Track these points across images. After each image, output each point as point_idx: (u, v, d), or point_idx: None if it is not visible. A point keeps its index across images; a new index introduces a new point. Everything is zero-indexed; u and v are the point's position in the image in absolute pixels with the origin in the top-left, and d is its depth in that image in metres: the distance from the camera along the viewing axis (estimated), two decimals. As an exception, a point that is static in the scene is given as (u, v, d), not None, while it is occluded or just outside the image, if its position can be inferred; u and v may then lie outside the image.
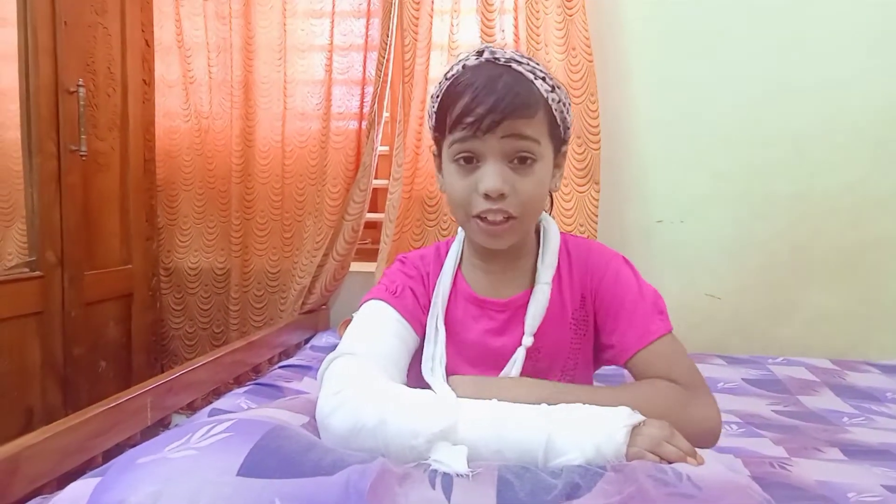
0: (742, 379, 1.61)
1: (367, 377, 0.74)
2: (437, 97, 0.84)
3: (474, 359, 0.88)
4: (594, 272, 0.89)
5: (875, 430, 1.28)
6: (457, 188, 0.82)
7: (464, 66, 0.82)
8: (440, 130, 0.84)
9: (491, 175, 0.78)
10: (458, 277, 0.92)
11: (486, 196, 0.78)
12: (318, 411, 0.74)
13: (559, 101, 0.82)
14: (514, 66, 0.80)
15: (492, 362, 0.87)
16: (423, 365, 0.86)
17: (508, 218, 0.79)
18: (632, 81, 1.89)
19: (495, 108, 0.76)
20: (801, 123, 1.83)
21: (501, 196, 0.78)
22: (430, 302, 0.90)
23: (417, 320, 0.88)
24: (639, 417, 0.67)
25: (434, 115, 0.86)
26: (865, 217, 1.83)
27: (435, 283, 0.91)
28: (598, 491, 0.58)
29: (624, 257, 0.92)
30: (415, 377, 0.86)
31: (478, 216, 0.80)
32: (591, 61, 1.76)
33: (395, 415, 0.68)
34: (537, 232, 0.92)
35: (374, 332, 0.84)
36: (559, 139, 0.85)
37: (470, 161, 0.80)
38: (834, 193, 1.83)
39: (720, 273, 1.90)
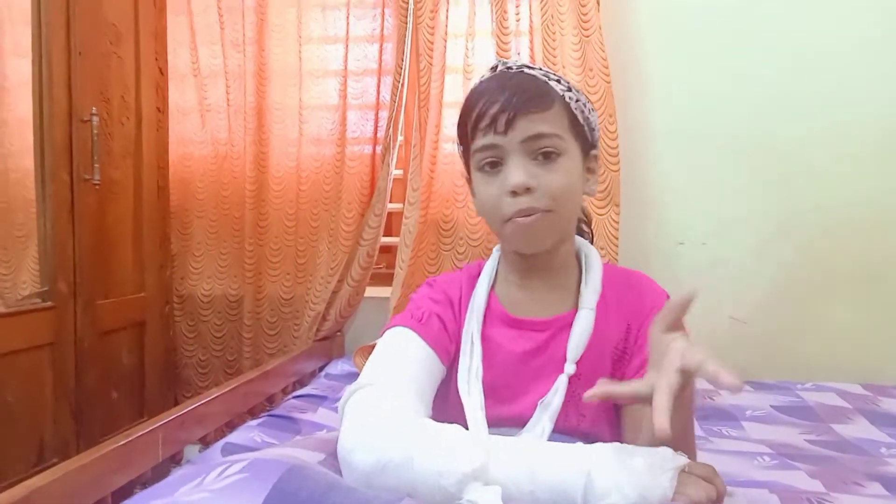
0: (771, 406, 1.56)
1: (391, 410, 0.71)
2: (460, 114, 0.85)
3: (509, 378, 0.85)
4: (645, 302, 0.86)
5: (916, 461, 1.22)
6: (485, 194, 0.81)
7: (480, 81, 0.84)
8: (465, 146, 0.85)
9: (514, 170, 0.78)
10: (493, 299, 0.89)
11: (514, 193, 0.77)
12: (340, 447, 0.70)
13: (577, 101, 0.83)
14: (526, 70, 0.82)
15: (527, 382, 0.84)
16: (458, 380, 0.83)
17: (541, 212, 0.78)
18: (650, 102, 1.87)
19: (507, 106, 0.77)
20: (819, 135, 1.81)
21: (528, 191, 0.77)
22: (458, 328, 0.87)
23: (444, 349, 0.85)
24: (683, 460, 0.63)
25: (458, 134, 0.86)
26: (887, 228, 1.79)
27: (465, 308, 0.88)
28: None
29: (668, 294, 0.89)
30: (439, 407, 0.82)
31: (511, 218, 0.79)
32: (608, 82, 1.74)
33: (423, 452, 0.65)
34: (577, 256, 0.90)
35: (397, 361, 0.81)
36: (586, 140, 0.84)
37: (495, 166, 0.80)
38: (854, 205, 1.80)
39: (743, 293, 1.85)
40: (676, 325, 0.65)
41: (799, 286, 1.83)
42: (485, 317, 0.87)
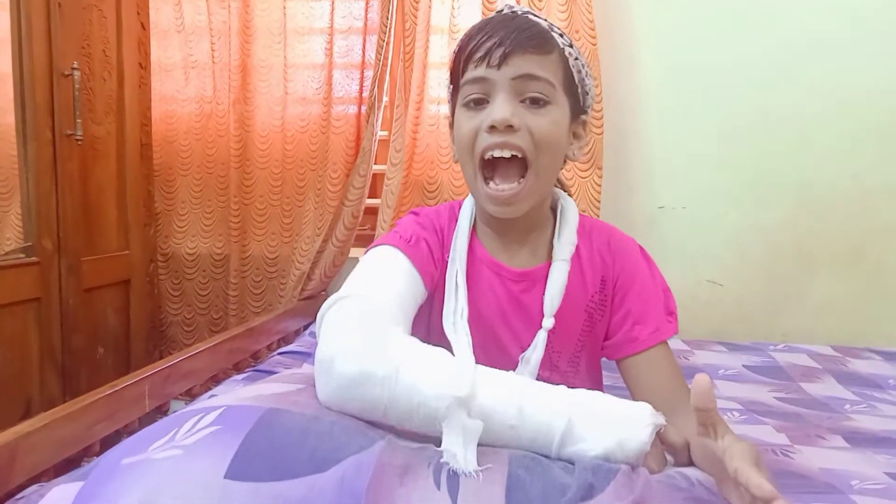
0: (743, 366, 1.60)
1: (376, 320, 0.68)
2: (455, 51, 0.83)
3: (491, 326, 0.85)
4: (616, 255, 0.87)
5: (877, 417, 1.27)
6: (465, 129, 0.78)
7: (482, 19, 0.82)
8: (455, 83, 0.82)
9: (499, 105, 0.74)
10: (474, 240, 0.87)
11: (493, 128, 0.74)
12: (319, 354, 0.67)
13: (577, 59, 0.80)
14: (531, 16, 0.79)
15: (508, 334, 0.85)
16: (444, 320, 0.80)
17: (516, 157, 0.75)
18: (636, 66, 1.87)
19: (504, 40, 0.74)
20: (807, 111, 1.81)
21: (510, 128, 0.74)
22: (443, 257, 0.85)
23: (428, 273, 0.82)
24: (661, 420, 0.64)
25: (450, 70, 0.83)
26: (871, 205, 1.81)
27: (450, 239, 0.87)
28: (610, 492, 0.56)
29: (640, 246, 0.90)
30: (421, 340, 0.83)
31: (484, 164, 0.77)
32: (594, 45, 1.74)
33: (410, 369, 0.63)
34: (553, 208, 0.89)
35: (383, 275, 0.78)
36: (577, 101, 0.82)
37: (480, 103, 0.78)
38: (839, 182, 1.81)
39: (723, 260, 1.88)
40: (709, 419, 0.58)
41: (779, 257, 1.86)
42: (467, 257, 0.85)
